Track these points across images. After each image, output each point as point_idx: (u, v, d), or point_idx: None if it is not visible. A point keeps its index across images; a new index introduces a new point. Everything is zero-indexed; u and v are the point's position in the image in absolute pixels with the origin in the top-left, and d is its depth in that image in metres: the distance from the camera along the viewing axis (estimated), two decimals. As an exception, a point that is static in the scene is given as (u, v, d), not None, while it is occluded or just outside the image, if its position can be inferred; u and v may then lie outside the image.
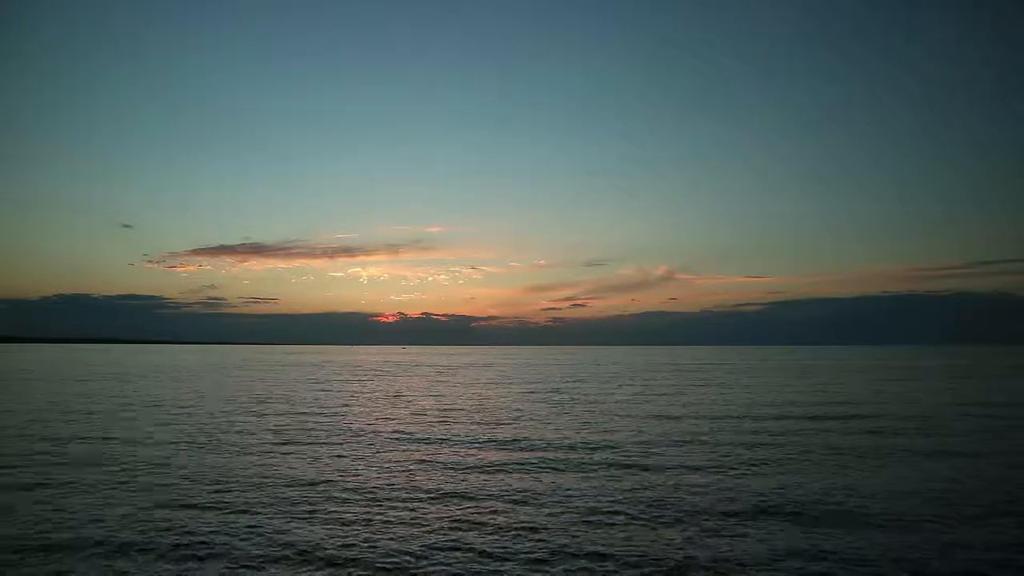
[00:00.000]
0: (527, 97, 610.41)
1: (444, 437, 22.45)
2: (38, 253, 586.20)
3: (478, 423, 26.15)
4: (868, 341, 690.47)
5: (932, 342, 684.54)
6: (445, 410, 31.31)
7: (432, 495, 14.22)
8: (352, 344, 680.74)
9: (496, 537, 11.27)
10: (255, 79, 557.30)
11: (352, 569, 9.84)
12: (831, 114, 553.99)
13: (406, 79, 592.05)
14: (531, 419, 27.30)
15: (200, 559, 10.21)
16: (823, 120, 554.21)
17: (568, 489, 14.63)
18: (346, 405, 33.87)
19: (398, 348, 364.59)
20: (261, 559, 10.22)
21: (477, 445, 20.81)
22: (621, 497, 13.89)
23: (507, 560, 10.19)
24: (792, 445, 20.61)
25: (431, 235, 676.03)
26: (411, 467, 17.37)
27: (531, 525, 11.94)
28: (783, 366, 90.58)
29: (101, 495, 14.11)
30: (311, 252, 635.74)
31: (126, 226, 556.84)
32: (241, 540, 11.07)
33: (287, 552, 10.53)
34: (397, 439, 22.00)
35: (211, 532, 11.49)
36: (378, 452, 19.55)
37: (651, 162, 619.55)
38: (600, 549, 10.66)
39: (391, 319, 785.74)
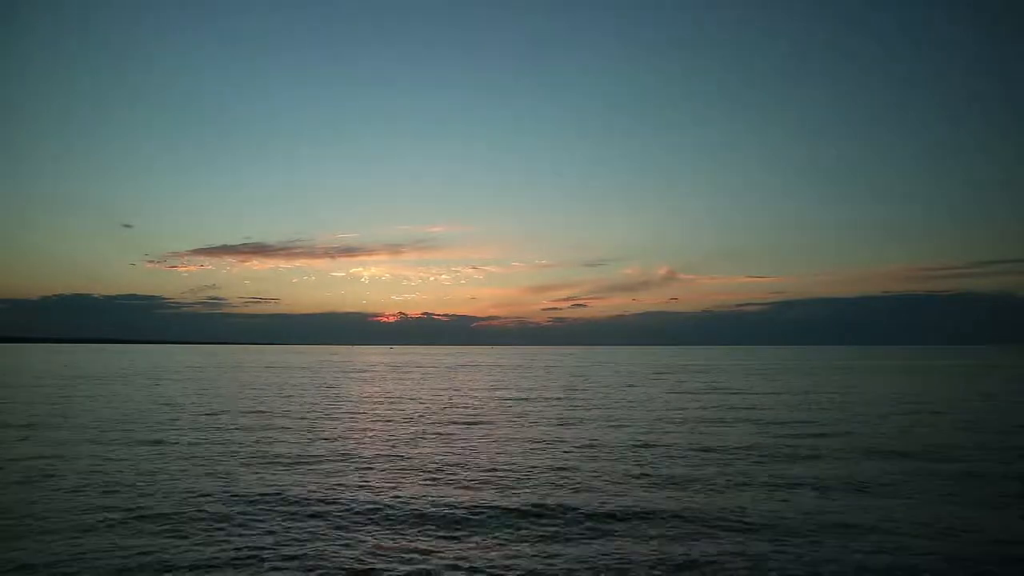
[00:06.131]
0: (529, 97, 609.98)
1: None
2: (38, 253, 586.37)
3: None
4: (870, 341, 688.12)
5: (934, 342, 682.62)
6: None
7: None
8: (353, 344, 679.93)
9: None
10: (256, 79, 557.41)
11: None
12: (833, 114, 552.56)
13: (408, 79, 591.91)
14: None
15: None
16: (825, 120, 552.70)
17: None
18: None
19: (384, 348, 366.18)
20: None
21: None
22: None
23: None
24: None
25: (433, 235, 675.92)
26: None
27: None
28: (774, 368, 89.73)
29: None
30: (312, 252, 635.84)
31: (126, 226, 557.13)
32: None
33: None
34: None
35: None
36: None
37: (653, 162, 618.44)
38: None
39: (392, 319, 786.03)
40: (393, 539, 11.84)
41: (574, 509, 13.64)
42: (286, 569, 10.36)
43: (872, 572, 10.30)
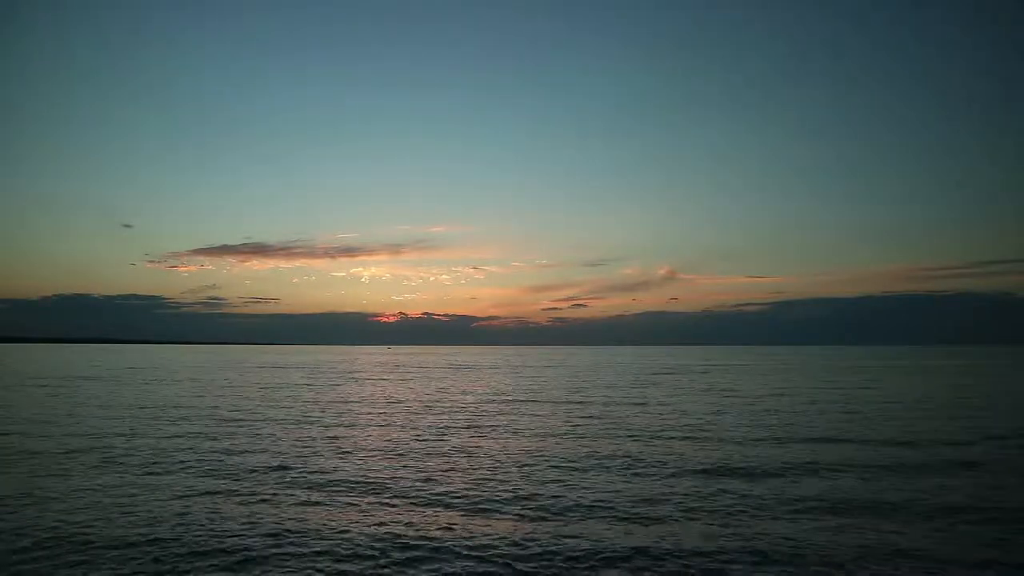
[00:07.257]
0: (529, 97, 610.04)
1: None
2: (38, 253, 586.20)
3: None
4: (870, 341, 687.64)
5: (934, 342, 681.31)
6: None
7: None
8: (353, 344, 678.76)
9: None
10: (256, 79, 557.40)
11: None
12: (833, 114, 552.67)
13: (408, 79, 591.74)
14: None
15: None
16: (825, 120, 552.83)
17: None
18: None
19: (383, 347, 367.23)
20: None
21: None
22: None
23: None
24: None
25: (433, 235, 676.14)
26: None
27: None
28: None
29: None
30: (313, 252, 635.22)
31: (127, 226, 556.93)
32: None
33: None
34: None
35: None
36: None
37: (654, 162, 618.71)
38: None
39: (392, 319, 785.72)
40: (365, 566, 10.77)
41: (571, 538, 12.57)
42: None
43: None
